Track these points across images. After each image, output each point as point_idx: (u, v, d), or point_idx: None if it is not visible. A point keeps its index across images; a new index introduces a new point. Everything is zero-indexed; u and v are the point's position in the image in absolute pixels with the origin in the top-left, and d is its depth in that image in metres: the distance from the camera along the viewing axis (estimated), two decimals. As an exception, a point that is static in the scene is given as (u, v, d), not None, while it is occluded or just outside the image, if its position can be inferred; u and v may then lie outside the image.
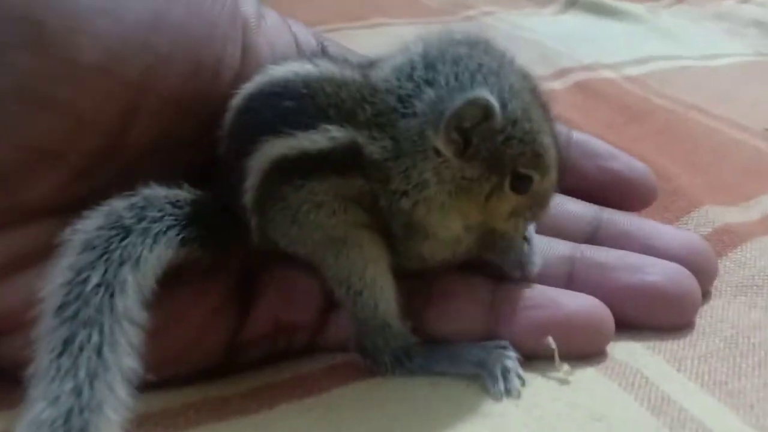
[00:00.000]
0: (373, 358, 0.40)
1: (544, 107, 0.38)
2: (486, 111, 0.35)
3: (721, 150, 0.65)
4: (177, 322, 0.39)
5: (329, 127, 0.36)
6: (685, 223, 0.54)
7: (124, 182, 0.37)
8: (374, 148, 0.37)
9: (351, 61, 0.39)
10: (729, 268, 0.49)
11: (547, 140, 0.38)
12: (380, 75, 0.37)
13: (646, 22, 0.99)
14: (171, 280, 0.37)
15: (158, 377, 0.36)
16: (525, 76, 0.38)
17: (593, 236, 0.47)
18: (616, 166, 0.50)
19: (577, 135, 0.51)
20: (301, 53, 0.45)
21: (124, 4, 0.36)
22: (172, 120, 0.38)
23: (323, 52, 0.46)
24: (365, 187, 0.38)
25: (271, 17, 0.45)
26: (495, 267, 0.43)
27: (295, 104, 0.36)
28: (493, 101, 0.35)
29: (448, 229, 0.39)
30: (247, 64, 0.41)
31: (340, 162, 0.37)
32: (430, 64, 0.36)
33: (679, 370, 0.40)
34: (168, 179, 0.38)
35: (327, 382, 0.40)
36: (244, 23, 0.41)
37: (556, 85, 0.79)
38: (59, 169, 0.36)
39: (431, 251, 0.40)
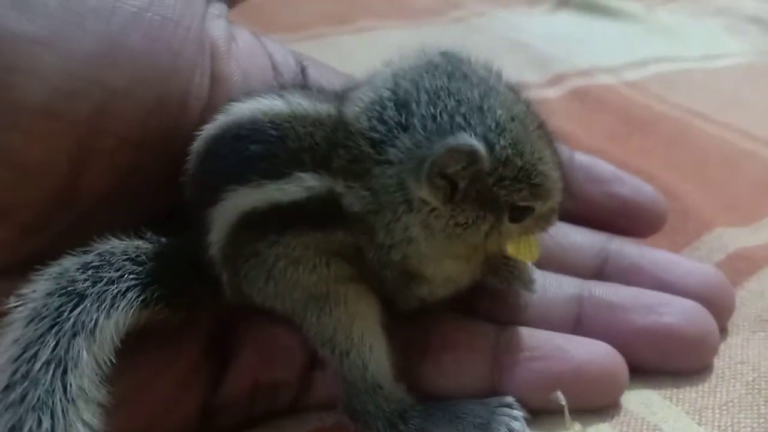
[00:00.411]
0: (365, 422, 0.36)
1: (539, 126, 0.34)
2: (471, 157, 0.31)
3: (730, 162, 0.61)
4: (144, 390, 0.35)
5: (303, 175, 0.32)
6: (696, 249, 0.50)
7: (80, 235, 0.33)
8: (352, 199, 0.33)
9: (326, 91, 0.35)
10: (745, 300, 0.45)
11: (545, 167, 0.34)
12: (352, 112, 0.33)
13: (642, 21, 0.95)
14: (135, 344, 0.33)
15: None
16: (514, 97, 0.34)
17: (601, 270, 0.43)
18: (623, 191, 0.46)
19: (580, 158, 0.47)
20: (277, 76, 0.41)
21: (71, 35, 0.32)
22: (131, 161, 0.34)
23: (302, 74, 0.43)
24: (348, 240, 0.34)
25: (244, 38, 0.40)
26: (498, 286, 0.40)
27: (263, 149, 0.32)
28: (478, 146, 0.31)
29: (446, 272, 0.36)
30: (217, 93, 0.37)
31: (318, 214, 0.33)
32: (402, 103, 0.32)
33: (700, 423, 0.36)
34: (130, 227, 0.34)
35: (311, 448, 0.36)
36: (212, 48, 0.37)
37: (551, 93, 0.75)
38: (2, 226, 0.32)
39: (432, 293, 0.37)
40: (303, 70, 0.42)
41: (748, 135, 0.66)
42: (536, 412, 0.37)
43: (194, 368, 0.37)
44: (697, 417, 0.37)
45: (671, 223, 0.49)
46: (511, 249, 0.37)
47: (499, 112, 0.32)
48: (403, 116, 0.32)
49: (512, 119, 0.33)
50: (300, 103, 0.33)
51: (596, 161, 0.48)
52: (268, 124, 0.32)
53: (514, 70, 0.36)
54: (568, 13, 0.99)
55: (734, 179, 0.59)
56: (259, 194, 0.32)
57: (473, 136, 0.31)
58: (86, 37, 0.32)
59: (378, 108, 0.32)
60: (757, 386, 0.39)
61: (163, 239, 0.35)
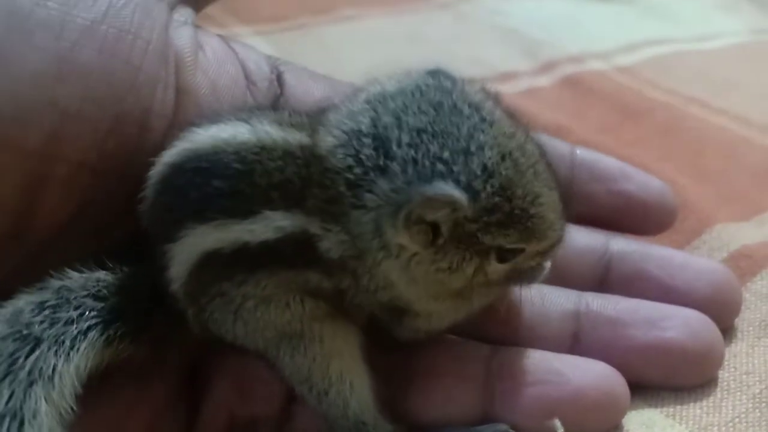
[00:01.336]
0: (349, 457, 0.34)
1: (536, 161, 0.31)
2: (450, 206, 0.28)
3: (728, 152, 0.59)
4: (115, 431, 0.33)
5: (272, 214, 0.29)
6: (697, 248, 0.48)
7: (35, 270, 0.31)
8: (329, 243, 0.30)
9: (299, 114, 0.32)
10: (749, 302, 0.43)
11: (539, 209, 0.31)
12: (328, 144, 0.30)
13: (633, 2, 0.92)
14: (100, 385, 0.31)
15: None
16: (509, 128, 0.31)
17: (604, 277, 0.41)
18: (629, 189, 0.43)
19: (582, 154, 0.44)
20: (250, 86, 0.38)
21: (16, 54, 0.29)
22: (89, 188, 0.32)
23: (278, 81, 0.40)
24: (327, 283, 0.31)
25: (212, 46, 0.38)
26: None
27: (227, 185, 0.30)
28: (457, 195, 0.28)
29: (437, 310, 0.33)
30: (184, 108, 0.34)
31: (292, 254, 0.30)
32: (382, 142, 0.29)
33: (705, 442, 0.35)
34: (89, 257, 0.32)
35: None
36: (177, 60, 0.35)
37: (543, 81, 0.72)
38: None
39: (431, 325, 0.35)
40: (279, 77, 0.39)
41: (744, 121, 0.64)
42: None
43: (166, 406, 0.34)
44: (702, 436, 0.35)
45: (671, 220, 0.47)
46: None
47: (488, 153, 0.29)
48: (382, 158, 0.29)
49: (503, 159, 0.30)
50: (268, 132, 0.30)
51: (600, 157, 0.45)
52: (233, 156, 0.30)
53: (503, 58, 0.33)
54: (557, -3, 0.96)
55: (732, 170, 0.57)
56: (223, 234, 0.30)
57: (456, 183, 0.28)
58: (34, 55, 0.30)
59: (355, 144, 0.30)
60: (764, 399, 0.37)
61: (126, 269, 0.33)
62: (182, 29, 0.36)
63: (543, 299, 0.39)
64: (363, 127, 0.30)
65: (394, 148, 0.29)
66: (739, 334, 0.41)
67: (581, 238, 0.42)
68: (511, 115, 0.32)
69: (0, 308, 0.30)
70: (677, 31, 0.84)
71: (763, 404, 0.36)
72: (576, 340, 0.37)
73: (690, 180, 0.55)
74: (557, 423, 0.34)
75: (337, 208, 0.29)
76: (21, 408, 0.27)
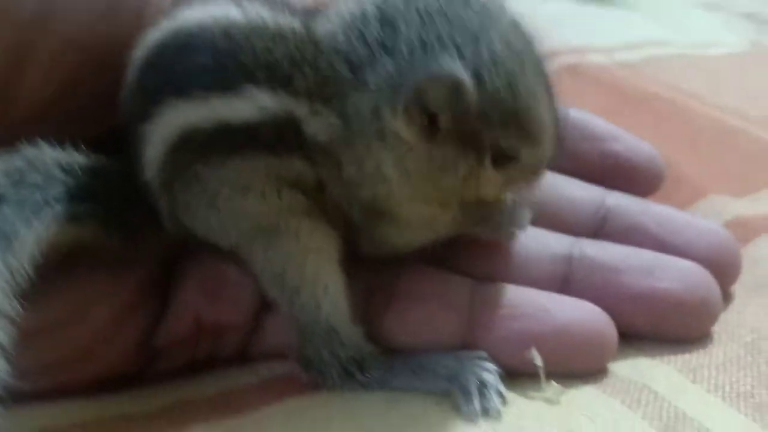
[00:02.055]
0: (318, 371, 0.32)
1: (540, 70, 0.31)
2: (455, 89, 0.27)
3: (724, 139, 0.58)
4: (77, 317, 0.31)
5: (257, 92, 0.28)
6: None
7: (10, 147, 0.29)
8: (317, 126, 0.29)
9: (292, 5, 0.31)
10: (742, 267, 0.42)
11: (539, 113, 0.30)
12: (327, 29, 0.29)
13: (637, 9, 0.94)
14: (70, 270, 0.30)
15: (48, 385, 0.30)
16: (515, 31, 0.30)
17: (600, 229, 0.39)
18: (618, 149, 0.43)
19: (575, 114, 0.44)
20: None
21: None
22: (76, 68, 0.31)
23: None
24: (308, 172, 0.30)
25: None
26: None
27: (211, 60, 0.28)
28: (463, 76, 0.27)
29: (420, 216, 0.32)
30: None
31: (273, 138, 0.29)
32: (388, 21, 0.28)
33: (694, 381, 0.33)
34: (67, 144, 0.30)
35: (257, 399, 0.32)
36: None
37: (543, 68, 0.72)
38: None
39: (404, 240, 0.33)
40: None
41: (741, 115, 0.63)
42: (512, 375, 0.33)
43: (134, 300, 0.33)
44: (691, 375, 0.33)
45: (663, 189, 0.46)
46: None
47: (496, 43, 0.28)
48: (389, 37, 0.28)
49: (510, 54, 0.29)
50: (259, 14, 0.29)
51: (591, 117, 0.45)
52: (219, 34, 0.29)
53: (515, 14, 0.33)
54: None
55: (727, 153, 0.56)
56: (203, 110, 0.28)
57: (463, 66, 0.27)
58: None
59: (360, 25, 0.29)
60: (756, 348, 0.35)
61: (101, 158, 0.31)
62: None
63: (534, 240, 0.37)
64: (369, 10, 0.29)
65: (402, 27, 0.28)
66: (730, 296, 0.40)
67: (577, 189, 0.41)
68: (519, 24, 0.31)
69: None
70: (679, 36, 0.85)
71: (756, 351, 0.35)
72: (566, 284, 0.36)
73: (685, 158, 0.54)
74: (535, 354, 0.32)
75: (331, 90, 0.28)
76: None
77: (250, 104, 0.28)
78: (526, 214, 0.35)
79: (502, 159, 0.30)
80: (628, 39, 0.80)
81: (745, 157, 0.55)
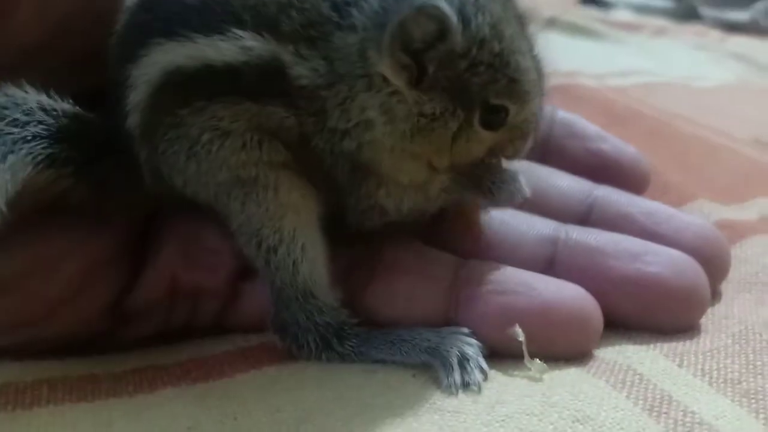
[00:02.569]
0: (294, 338, 0.31)
1: (520, 19, 0.31)
2: (440, 25, 0.27)
3: (712, 153, 0.59)
4: (44, 270, 0.30)
5: (242, 34, 0.28)
6: (678, 217, 0.47)
7: None
8: (302, 69, 0.29)
9: None
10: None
11: (523, 61, 0.30)
12: None
13: (626, 44, 0.96)
14: (42, 221, 0.29)
15: (14, 342, 0.29)
16: None
17: (587, 217, 0.39)
18: (605, 148, 0.43)
19: (562, 114, 0.45)
20: None
21: None
22: (70, 12, 0.31)
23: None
24: (290, 121, 0.30)
25: None
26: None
27: (198, 2, 0.28)
28: (450, 12, 0.27)
29: (407, 174, 0.31)
30: None
31: (257, 83, 0.29)
32: None
33: (681, 366, 0.32)
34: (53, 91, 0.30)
35: (231, 367, 0.31)
36: None
37: (534, 88, 0.73)
38: None
39: (393, 201, 0.32)
40: None
41: (728, 136, 0.64)
42: (495, 352, 0.32)
43: (106, 259, 0.32)
44: (677, 360, 0.32)
45: (650, 194, 0.46)
46: None
47: None
48: None
49: (494, 1, 0.29)
50: None
51: (578, 118, 0.45)
52: None
53: None
54: (554, 33, 0.99)
55: (715, 167, 0.56)
56: (188, 50, 0.28)
57: (448, 4, 0.27)
58: None
59: None
60: (744, 337, 0.35)
61: (85, 109, 0.31)
62: None
63: (520, 222, 0.37)
64: None
65: None
66: (718, 291, 0.39)
67: (564, 180, 0.41)
68: None
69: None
70: (667, 68, 0.86)
71: (744, 341, 0.34)
72: (550, 265, 0.35)
73: (673, 169, 0.54)
74: (518, 330, 0.31)
75: (317, 31, 0.28)
76: None
77: (235, 46, 0.28)
78: (518, 186, 0.35)
79: (492, 119, 0.30)
80: (619, 68, 0.82)
81: (731, 171, 0.56)
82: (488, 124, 0.30)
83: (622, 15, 1.38)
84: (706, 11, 1.40)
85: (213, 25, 0.28)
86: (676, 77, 0.85)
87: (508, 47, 0.29)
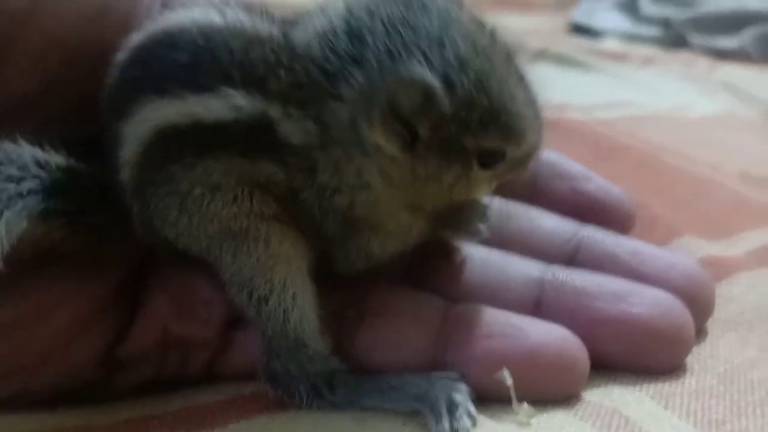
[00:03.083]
0: (285, 387, 0.32)
1: (508, 60, 0.31)
2: (426, 94, 0.28)
3: (699, 187, 0.60)
4: (36, 319, 0.31)
5: (232, 92, 0.29)
6: (665, 253, 0.47)
7: None
8: (291, 128, 0.30)
9: (272, 15, 0.33)
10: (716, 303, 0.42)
11: (514, 106, 0.30)
12: (302, 38, 0.31)
13: (614, 76, 0.98)
14: (35, 271, 0.30)
15: (6, 393, 0.30)
16: (478, 29, 0.31)
17: (573, 258, 0.40)
18: (590, 188, 0.44)
19: (548, 155, 0.45)
20: None
21: None
22: (62, 68, 0.32)
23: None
24: (279, 176, 0.31)
25: None
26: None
27: (188, 58, 0.29)
28: (433, 82, 0.28)
29: (399, 221, 0.32)
30: None
31: (246, 139, 0.30)
32: (355, 33, 0.29)
33: (666, 408, 0.32)
34: (46, 143, 0.31)
35: (223, 416, 0.31)
36: None
37: (523, 123, 0.74)
38: None
39: (379, 247, 0.33)
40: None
41: (715, 169, 0.65)
42: (483, 396, 0.32)
43: (98, 308, 0.33)
44: (663, 402, 0.33)
45: (637, 230, 0.47)
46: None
47: (461, 44, 0.29)
48: (357, 48, 0.29)
49: (476, 53, 0.29)
50: (238, 17, 0.31)
51: (564, 158, 0.46)
52: (198, 34, 0.30)
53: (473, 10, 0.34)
54: (543, 64, 1.01)
55: (702, 201, 0.57)
56: (179, 107, 0.29)
57: (431, 72, 0.28)
58: None
59: (330, 37, 0.30)
60: (729, 378, 0.35)
61: (77, 160, 0.32)
62: None
63: (507, 264, 0.38)
64: (337, 23, 0.30)
65: (367, 37, 0.29)
66: (704, 330, 0.40)
67: (551, 221, 0.41)
68: (478, 20, 0.31)
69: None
70: (655, 100, 0.88)
71: (729, 382, 0.35)
72: (538, 307, 0.36)
73: (660, 204, 0.55)
74: (506, 374, 0.32)
75: (305, 93, 0.29)
76: None
77: (225, 103, 0.29)
78: (486, 210, 0.35)
79: (489, 158, 0.31)
80: (607, 99, 0.83)
81: (719, 205, 0.57)
82: (486, 165, 0.31)
83: (611, 44, 1.40)
84: (696, 39, 1.43)
85: (203, 82, 0.29)
86: (663, 109, 0.86)
87: (497, 98, 0.29)
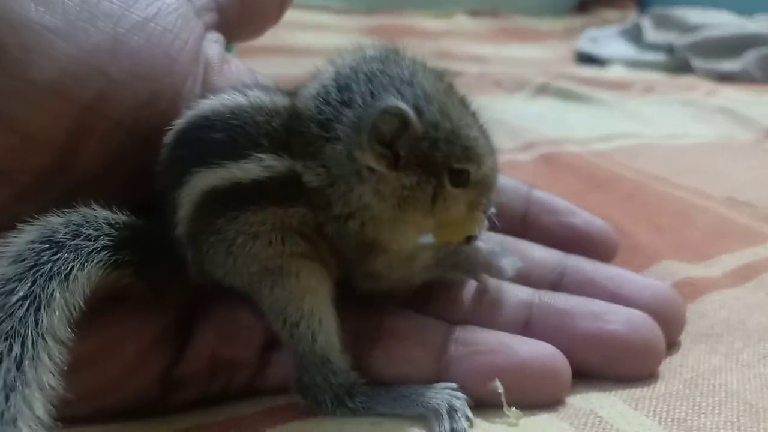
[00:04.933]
0: (313, 397, 0.38)
1: (463, 101, 0.39)
2: (402, 120, 0.35)
3: (684, 214, 0.65)
4: (111, 351, 0.37)
5: (263, 156, 0.36)
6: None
7: (68, 206, 0.37)
8: (310, 176, 0.37)
9: (283, 89, 0.40)
10: (688, 319, 0.47)
11: (472, 132, 0.37)
12: (302, 103, 0.38)
13: (613, 108, 1.03)
14: (108, 309, 0.36)
15: (83, 412, 0.35)
16: (438, 77, 0.38)
17: (558, 283, 0.46)
18: (576, 221, 0.50)
19: (537, 193, 0.52)
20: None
21: (84, 29, 0.37)
22: (123, 146, 0.38)
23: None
24: (308, 216, 0.37)
25: (236, 63, 0.46)
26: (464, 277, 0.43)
27: (223, 135, 0.37)
28: (407, 109, 0.35)
29: (401, 242, 0.39)
30: None
31: (279, 191, 0.37)
32: (344, 86, 0.37)
33: (636, 409, 0.38)
34: (114, 206, 0.38)
35: (263, 424, 0.37)
36: (206, 63, 0.43)
37: (522, 157, 0.80)
38: (3, 187, 0.36)
39: (387, 267, 0.39)
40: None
41: (703, 194, 0.70)
42: (479, 404, 0.38)
43: (160, 338, 0.39)
44: (633, 404, 0.39)
45: (622, 256, 0.52)
46: (451, 225, 0.40)
47: (426, 85, 0.37)
48: (345, 96, 0.36)
49: (438, 92, 0.37)
50: (258, 97, 0.38)
51: (551, 196, 0.52)
52: (229, 115, 0.37)
53: (434, 64, 0.41)
54: (544, 99, 1.07)
55: (686, 227, 0.62)
56: (220, 174, 0.36)
57: (405, 103, 0.35)
58: (96, 34, 0.37)
59: (323, 94, 0.37)
60: (694, 383, 0.40)
61: (140, 218, 0.39)
62: (213, 45, 0.44)
63: (500, 289, 0.44)
64: (328, 82, 0.37)
65: (354, 87, 0.36)
66: (677, 343, 0.45)
67: (539, 252, 0.48)
68: (438, 73, 0.39)
69: (35, 220, 0.35)
70: (651, 130, 0.93)
71: (693, 386, 0.40)
72: (527, 326, 0.42)
73: (645, 231, 0.61)
74: (498, 384, 0.38)
75: (314, 148, 0.36)
76: (40, 295, 0.32)
77: (258, 165, 0.36)
78: (505, 264, 0.43)
79: (458, 178, 0.37)
80: (603, 132, 0.89)
81: (703, 230, 0.62)
82: (456, 184, 0.37)
83: (616, 71, 1.46)
84: (699, 63, 1.48)
85: (238, 151, 0.36)
86: (658, 137, 0.91)
87: (456, 124, 0.37)
